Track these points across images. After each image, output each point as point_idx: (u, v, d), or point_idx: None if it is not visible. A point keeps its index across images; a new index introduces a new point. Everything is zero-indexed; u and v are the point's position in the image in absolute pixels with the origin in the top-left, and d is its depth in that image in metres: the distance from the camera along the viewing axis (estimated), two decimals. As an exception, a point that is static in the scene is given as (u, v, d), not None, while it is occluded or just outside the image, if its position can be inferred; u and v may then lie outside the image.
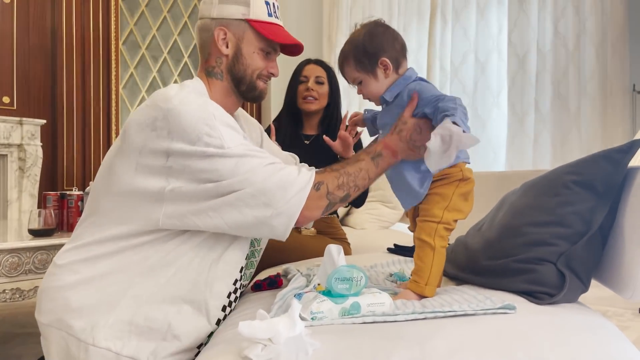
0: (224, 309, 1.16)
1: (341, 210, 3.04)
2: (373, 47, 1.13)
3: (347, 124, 1.45)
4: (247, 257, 1.25)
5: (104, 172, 1.16)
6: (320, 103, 2.05)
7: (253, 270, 1.33)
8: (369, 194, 3.02)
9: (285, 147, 1.94)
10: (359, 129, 1.55)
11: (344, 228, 2.69)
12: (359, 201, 2.07)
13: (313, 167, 1.16)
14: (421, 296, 1.06)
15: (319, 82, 2.04)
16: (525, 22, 3.46)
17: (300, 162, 1.90)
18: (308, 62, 2.10)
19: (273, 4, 1.22)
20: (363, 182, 1.12)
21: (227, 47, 1.19)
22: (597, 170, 1.05)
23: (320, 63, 2.09)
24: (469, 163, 1.18)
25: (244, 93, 1.23)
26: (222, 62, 1.20)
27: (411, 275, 1.10)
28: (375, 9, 4.40)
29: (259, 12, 1.18)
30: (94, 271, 1.08)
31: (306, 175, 1.07)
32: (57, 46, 3.69)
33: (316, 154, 1.98)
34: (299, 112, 2.09)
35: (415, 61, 4.12)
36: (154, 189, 1.06)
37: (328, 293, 0.91)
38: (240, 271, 1.20)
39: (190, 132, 1.03)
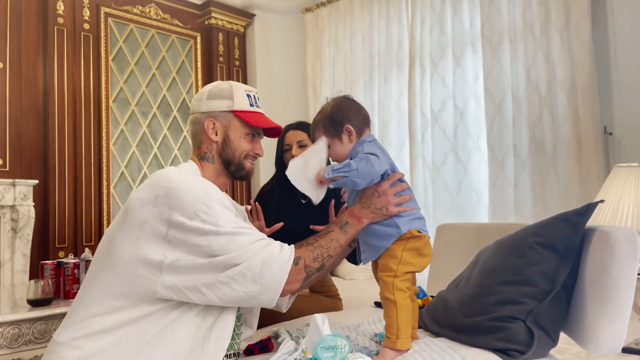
0: None
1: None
2: (339, 116, 1.31)
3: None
4: (236, 321, 1.33)
5: (104, 246, 1.24)
6: None
7: (240, 342, 1.40)
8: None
9: (282, 211, 2.02)
10: None
11: (334, 279, 2.75)
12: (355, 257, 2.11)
13: (292, 245, 1.27)
14: (398, 352, 1.15)
15: (302, 146, 2.06)
16: (499, 70, 3.62)
17: (300, 221, 1.99)
18: (287, 129, 2.12)
19: (254, 95, 1.40)
20: (335, 251, 1.27)
21: (216, 134, 1.35)
22: (557, 232, 1.14)
23: (299, 127, 2.12)
24: (424, 232, 1.29)
25: (234, 173, 1.38)
26: (213, 147, 1.36)
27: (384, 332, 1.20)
28: (356, 59, 4.59)
29: (241, 103, 1.36)
30: (95, 347, 1.14)
31: (287, 251, 1.20)
32: (49, 106, 3.79)
33: (313, 215, 2.05)
34: None
35: (397, 108, 4.28)
36: (154, 260, 1.15)
37: (314, 361, 0.98)
38: (232, 339, 1.28)
39: (189, 208, 1.15)
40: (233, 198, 4.67)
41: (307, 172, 1.27)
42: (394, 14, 4.32)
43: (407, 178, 4.22)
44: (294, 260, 1.19)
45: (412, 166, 4.05)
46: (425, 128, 4.01)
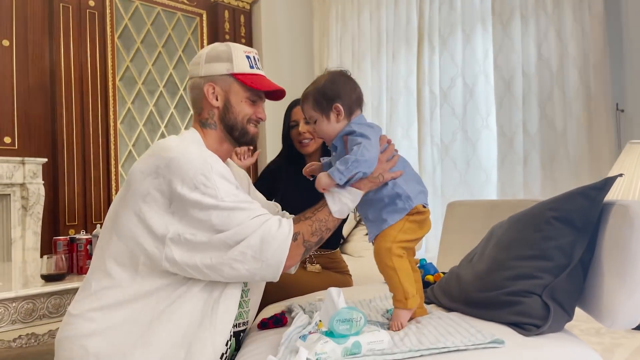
0: (227, 343, 1.25)
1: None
2: (331, 92, 1.26)
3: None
4: (243, 286, 1.34)
5: (110, 220, 1.24)
6: (317, 141, 2.04)
7: (249, 311, 1.41)
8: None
9: (290, 188, 2.01)
10: None
11: (343, 257, 2.76)
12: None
13: (291, 217, 1.27)
14: (410, 310, 1.18)
15: (309, 122, 2.07)
16: (509, 47, 3.57)
17: (305, 198, 1.99)
18: (293, 105, 2.09)
19: (254, 57, 1.35)
20: (333, 224, 1.25)
21: (216, 99, 1.31)
22: (575, 206, 1.13)
23: None
24: (427, 207, 1.29)
25: (238, 138, 1.35)
26: (214, 113, 1.32)
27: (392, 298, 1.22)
28: (363, 36, 4.53)
29: (241, 66, 1.31)
30: (109, 321, 1.15)
31: (286, 226, 1.18)
32: (56, 85, 3.78)
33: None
34: (301, 155, 2.09)
35: (406, 86, 4.24)
36: (157, 233, 1.15)
37: (330, 334, 0.99)
38: (240, 307, 1.29)
39: (188, 180, 1.14)
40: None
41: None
42: (402, -11, 4.25)
43: (415, 156, 4.22)
44: (293, 236, 1.17)
45: (420, 144, 4.03)
46: (434, 106, 3.97)
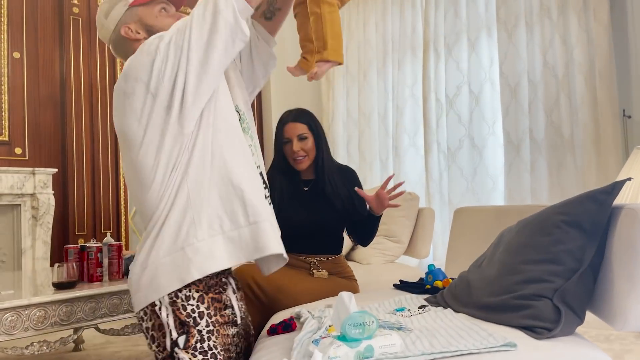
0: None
1: (346, 246, 3.11)
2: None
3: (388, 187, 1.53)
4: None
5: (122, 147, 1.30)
6: (310, 157, 2.02)
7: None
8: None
9: (285, 199, 2.03)
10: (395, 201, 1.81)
11: (350, 264, 2.77)
12: (366, 243, 2.13)
13: None
14: (329, 62, 1.22)
15: (302, 139, 2.00)
16: (514, 54, 3.59)
17: (302, 207, 2.01)
18: (285, 122, 2.04)
19: None
20: None
21: (138, 33, 1.37)
22: (584, 210, 1.14)
23: (297, 118, 2.03)
24: None
25: None
26: None
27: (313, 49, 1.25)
28: (370, 45, 4.56)
29: None
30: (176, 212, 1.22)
31: None
32: (65, 96, 3.83)
33: (317, 198, 2.06)
34: (294, 169, 2.07)
35: (411, 94, 4.26)
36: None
37: (343, 338, 0.99)
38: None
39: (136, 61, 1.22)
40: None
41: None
42: (407, -1, 4.28)
43: (422, 164, 4.24)
44: None
45: (426, 152, 4.04)
46: (440, 113, 3.99)
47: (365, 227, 2.04)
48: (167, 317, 1.21)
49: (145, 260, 1.23)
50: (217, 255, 1.20)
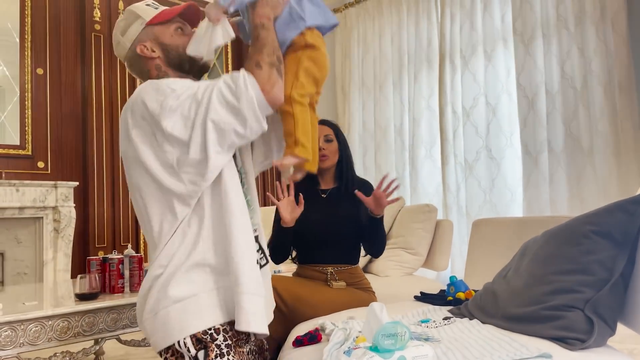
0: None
1: (364, 259, 3.11)
2: None
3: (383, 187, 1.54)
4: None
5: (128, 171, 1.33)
6: (332, 160, 2.11)
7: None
8: (391, 240, 3.11)
9: (304, 202, 2.05)
10: (395, 195, 1.80)
11: (368, 276, 2.76)
12: (377, 251, 2.13)
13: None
14: (297, 157, 1.25)
15: (327, 140, 2.09)
16: (532, 65, 3.58)
17: (319, 215, 2.03)
18: None
19: (152, 2, 1.44)
20: (274, 44, 1.27)
21: (153, 51, 1.37)
22: (614, 220, 1.14)
23: (325, 122, 2.15)
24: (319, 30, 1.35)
25: (191, 69, 1.40)
26: (159, 64, 1.39)
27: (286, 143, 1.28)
28: (385, 58, 4.59)
29: (149, 13, 1.39)
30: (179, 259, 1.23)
31: (241, 72, 1.21)
32: (87, 111, 3.90)
33: (334, 207, 2.08)
34: (314, 176, 2.11)
35: (428, 106, 4.27)
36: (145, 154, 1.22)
37: (375, 349, 0.99)
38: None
39: (147, 101, 1.21)
40: (262, 199, 4.71)
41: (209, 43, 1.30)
42: (423, 12, 4.31)
43: (439, 176, 4.23)
44: (255, 66, 1.21)
45: (443, 164, 4.03)
46: (457, 125, 3.99)
47: (370, 231, 2.04)
48: (184, 340, 1.21)
49: (155, 305, 1.23)
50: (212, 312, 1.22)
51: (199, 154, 1.17)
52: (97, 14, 4.00)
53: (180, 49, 1.37)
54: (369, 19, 4.73)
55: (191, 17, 1.46)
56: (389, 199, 1.91)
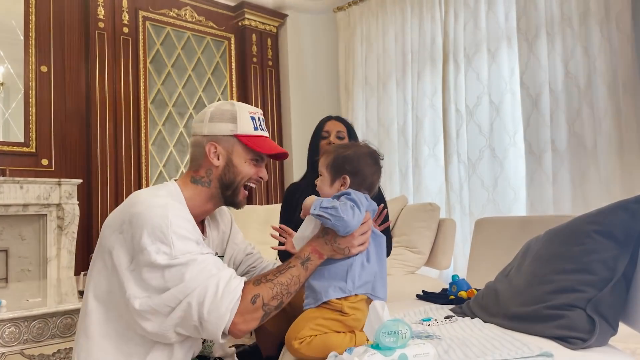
0: None
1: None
2: (350, 166, 1.28)
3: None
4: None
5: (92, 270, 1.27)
6: None
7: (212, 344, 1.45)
8: (394, 239, 3.11)
9: (308, 193, 2.05)
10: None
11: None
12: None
13: (243, 278, 1.21)
14: None
15: (340, 137, 2.10)
16: (536, 64, 3.57)
17: None
18: (329, 118, 2.16)
19: (259, 118, 1.35)
20: (295, 287, 1.21)
21: (217, 159, 1.30)
22: (616, 220, 1.14)
23: (340, 119, 2.17)
24: (370, 295, 1.24)
25: (227, 198, 1.34)
26: (212, 172, 1.31)
27: None
28: (389, 56, 4.59)
29: (245, 127, 1.31)
30: None
31: (238, 288, 1.14)
32: (91, 109, 3.91)
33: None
34: None
35: (431, 105, 4.26)
36: (124, 288, 1.15)
37: (377, 346, 1.00)
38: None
39: (145, 238, 1.12)
40: (266, 196, 4.73)
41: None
42: (426, 10, 4.30)
43: (442, 174, 4.23)
44: (251, 299, 1.14)
45: (446, 163, 4.03)
46: (460, 124, 3.98)
47: None
48: None
49: None
50: None
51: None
52: (101, 12, 4.01)
53: (239, 177, 1.32)
54: (372, 17, 4.72)
55: (276, 158, 1.43)
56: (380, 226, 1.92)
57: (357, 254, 1.23)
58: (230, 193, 1.32)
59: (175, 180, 1.36)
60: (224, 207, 1.51)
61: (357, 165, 1.28)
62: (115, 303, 1.18)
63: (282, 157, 1.40)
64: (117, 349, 1.19)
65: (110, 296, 1.19)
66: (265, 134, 1.36)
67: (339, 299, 1.19)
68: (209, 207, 1.35)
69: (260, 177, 1.36)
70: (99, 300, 1.21)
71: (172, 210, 1.17)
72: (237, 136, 1.30)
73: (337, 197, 1.23)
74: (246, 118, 1.32)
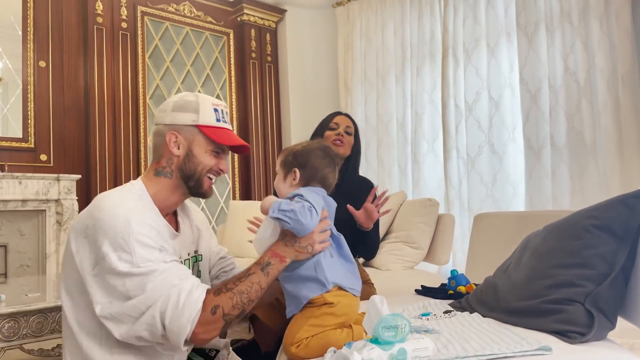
0: None
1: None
2: (300, 158, 1.30)
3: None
4: None
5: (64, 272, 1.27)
6: (345, 150, 2.10)
7: None
8: (393, 234, 3.12)
9: None
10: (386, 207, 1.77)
11: (369, 269, 2.76)
12: (366, 255, 2.12)
13: (206, 286, 1.20)
14: None
15: (347, 133, 2.10)
16: (535, 59, 3.57)
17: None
18: (339, 113, 2.17)
19: (222, 110, 1.34)
20: (256, 294, 1.19)
21: (178, 148, 1.30)
22: (615, 214, 1.14)
23: (349, 117, 2.17)
24: (346, 290, 1.24)
25: (192, 188, 1.33)
26: (173, 162, 1.31)
27: None
28: (388, 52, 4.58)
29: (207, 118, 1.30)
30: None
31: (199, 299, 1.13)
32: (89, 104, 3.90)
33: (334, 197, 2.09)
34: None
35: (430, 100, 4.26)
36: (87, 292, 1.16)
37: (375, 341, 1.00)
38: None
39: (107, 246, 1.12)
40: (266, 192, 4.72)
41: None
42: (426, 5, 4.29)
43: (441, 170, 4.23)
44: (211, 309, 1.13)
45: (446, 158, 4.03)
46: (460, 119, 3.98)
47: (359, 240, 2.03)
48: None
49: None
50: None
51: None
52: (100, 6, 3.99)
53: (199, 167, 1.31)
54: (371, 12, 4.71)
55: (237, 151, 1.41)
56: (381, 211, 1.91)
57: (321, 251, 1.23)
58: (193, 184, 1.32)
59: (142, 177, 1.35)
60: (199, 214, 1.54)
61: (306, 157, 1.30)
62: (87, 303, 1.18)
63: (243, 150, 1.39)
64: (100, 344, 1.20)
65: (82, 297, 1.19)
66: (228, 126, 1.36)
67: (319, 295, 1.20)
68: (176, 199, 1.34)
69: (221, 169, 1.35)
70: (73, 301, 1.21)
71: (136, 217, 1.16)
72: (198, 126, 1.29)
73: (290, 198, 1.23)
74: (209, 109, 1.31)
